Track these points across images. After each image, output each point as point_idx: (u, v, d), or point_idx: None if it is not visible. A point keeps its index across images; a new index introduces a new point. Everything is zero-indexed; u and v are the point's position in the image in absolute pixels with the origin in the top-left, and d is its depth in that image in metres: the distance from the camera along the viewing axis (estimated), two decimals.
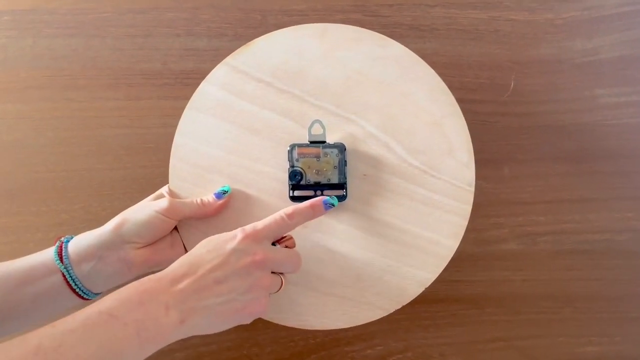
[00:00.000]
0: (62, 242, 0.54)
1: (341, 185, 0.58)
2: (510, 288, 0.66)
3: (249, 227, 0.50)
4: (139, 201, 0.58)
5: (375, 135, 0.60)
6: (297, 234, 0.58)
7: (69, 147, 0.66)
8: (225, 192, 0.59)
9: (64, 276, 0.52)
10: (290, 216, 0.52)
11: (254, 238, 0.49)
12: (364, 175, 0.60)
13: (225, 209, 0.58)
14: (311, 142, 0.57)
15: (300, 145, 0.58)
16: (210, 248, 0.47)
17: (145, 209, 0.56)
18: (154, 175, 0.67)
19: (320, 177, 0.58)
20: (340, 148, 0.58)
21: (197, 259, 0.47)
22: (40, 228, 0.65)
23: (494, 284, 0.66)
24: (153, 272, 0.47)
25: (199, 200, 0.58)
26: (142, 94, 0.66)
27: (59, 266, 0.52)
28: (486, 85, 0.67)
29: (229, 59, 0.61)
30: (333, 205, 0.55)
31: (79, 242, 0.53)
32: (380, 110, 0.60)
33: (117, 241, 0.54)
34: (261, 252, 0.49)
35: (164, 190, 0.61)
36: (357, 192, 0.59)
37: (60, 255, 0.52)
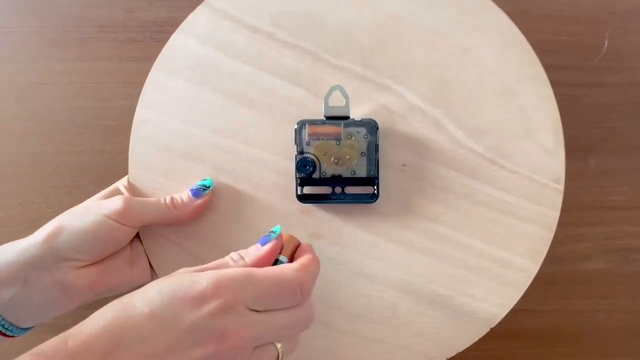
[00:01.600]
0: None
1: (370, 181, 0.41)
2: (592, 321, 0.52)
3: (238, 282, 0.33)
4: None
5: (420, 109, 0.42)
6: None
7: (2, 123, 0.52)
8: (206, 188, 0.42)
9: None
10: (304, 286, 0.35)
11: (233, 300, 0.32)
12: (403, 165, 0.42)
13: (205, 212, 0.44)
14: (328, 118, 0.40)
15: (312, 123, 0.40)
16: (161, 305, 0.31)
17: (90, 213, 0.41)
18: (116, 162, 0.52)
19: (341, 169, 0.41)
20: (370, 127, 0.40)
21: (134, 322, 0.31)
22: None
23: (570, 315, 0.52)
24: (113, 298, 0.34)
25: (168, 200, 0.42)
26: (99, 52, 0.52)
27: None
28: (569, 45, 0.51)
29: (213, 0, 0.43)
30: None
31: None
32: (428, 72, 0.42)
33: (50, 258, 0.40)
34: (235, 329, 0.32)
35: (120, 184, 0.44)
36: (393, 190, 0.43)
37: None
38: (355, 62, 0.43)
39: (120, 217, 0.40)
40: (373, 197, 0.42)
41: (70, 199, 0.51)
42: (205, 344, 0.31)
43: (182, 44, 0.44)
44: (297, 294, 0.34)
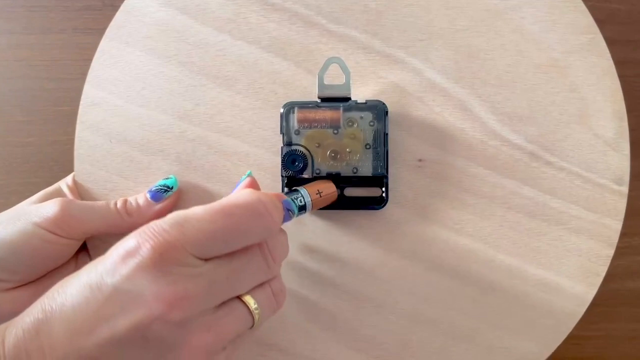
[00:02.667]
0: None
1: (378, 181, 0.32)
2: None
3: (169, 223, 0.26)
4: None
5: (441, 88, 0.33)
6: (298, 262, 0.32)
7: None
8: (168, 189, 0.33)
9: None
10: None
11: (167, 247, 0.25)
12: (420, 161, 0.33)
13: None
14: (323, 100, 0.31)
15: (303, 106, 0.32)
16: (85, 274, 0.25)
17: (19, 220, 0.33)
18: (72, 155, 0.42)
19: (340, 165, 0.32)
20: (378, 111, 0.31)
21: (57, 305, 0.25)
22: None
23: (615, 343, 0.44)
24: None
25: (119, 204, 0.33)
26: (50, 23, 0.44)
27: None
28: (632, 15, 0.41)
29: None
30: (291, 213, 0.30)
31: None
32: (452, 40, 0.33)
33: None
34: (173, 282, 0.25)
35: (63, 183, 0.35)
36: (407, 192, 0.34)
37: None
38: (359, 27, 0.34)
39: (55, 226, 0.31)
40: (381, 202, 0.33)
41: (18, 199, 0.41)
42: (134, 308, 0.24)
43: (140, 6, 0.35)
44: (264, 218, 0.26)
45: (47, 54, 0.44)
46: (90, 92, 0.35)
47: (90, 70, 0.36)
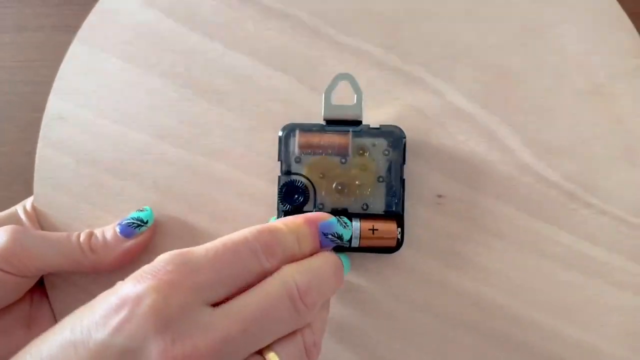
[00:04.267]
0: None
1: (392, 217, 0.26)
2: None
3: (172, 263, 0.21)
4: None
5: (467, 114, 0.28)
6: None
7: None
8: (141, 224, 0.28)
9: None
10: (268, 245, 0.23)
11: (173, 305, 0.20)
12: (440, 197, 0.28)
13: (143, 255, 0.29)
14: (330, 123, 0.26)
15: (306, 129, 0.27)
16: (69, 326, 0.20)
17: None
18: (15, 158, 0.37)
19: (348, 200, 0.27)
20: (394, 138, 0.27)
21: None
22: None
23: None
24: None
25: (82, 237, 0.28)
26: (25, 20, 0.40)
27: None
28: None
29: None
30: (339, 239, 0.25)
31: None
32: (480, 59, 0.29)
33: None
34: (180, 339, 0.19)
35: (20, 207, 0.30)
36: (425, 233, 0.29)
37: None
38: (373, 40, 0.29)
39: (3, 261, 0.26)
40: (395, 244, 0.28)
41: None
42: None
43: (118, 6, 0.30)
44: (259, 257, 0.22)
45: (21, 55, 0.39)
46: (56, 103, 0.30)
47: (57, 78, 0.30)
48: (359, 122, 0.27)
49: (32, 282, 0.28)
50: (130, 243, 0.28)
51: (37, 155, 0.30)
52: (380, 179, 0.27)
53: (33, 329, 0.29)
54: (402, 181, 0.27)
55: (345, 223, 0.25)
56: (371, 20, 0.29)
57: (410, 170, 0.29)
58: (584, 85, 0.28)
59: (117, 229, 0.28)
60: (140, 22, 0.30)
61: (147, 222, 0.28)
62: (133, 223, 0.28)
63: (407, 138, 0.28)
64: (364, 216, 0.27)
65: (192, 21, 0.30)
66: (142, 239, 0.28)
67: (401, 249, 0.28)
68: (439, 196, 0.29)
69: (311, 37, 0.29)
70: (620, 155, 0.28)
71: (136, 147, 0.30)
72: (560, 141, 0.28)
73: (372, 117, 0.28)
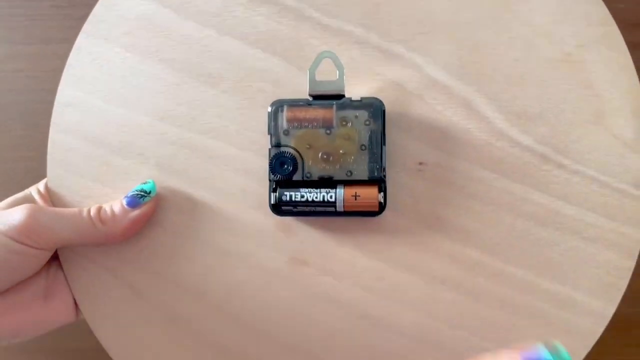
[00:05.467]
0: None
1: (374, 185, 0.28)
2: None
3: None
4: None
5: (444, 85, 0.30)
6: (288, 276, 0.29)
7: None
8: (145, 195, 0.31)
9: None
10: None
11: None
12: (421, 164, 0.30)
13: (147, 227, 0.32)
14: (315, 98, 0.28)
15: (293, 104, 0.29)
16: None
17: None
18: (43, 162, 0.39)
19: (333, 168, 0.29)
20: (374, 109, 0.29)
21: None
22: None
23: None
24: None
25: (93, 211, 0.30)
26: (51, 33, 0.42)
27: None
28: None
29: None
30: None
31: None
32: (455, 34, 0.30)
33: None
34: None
35: (34, 189, 0.33)
36: (406, 198, 0.31)
37: None
38: (354, 20, 0.31)
39: (22, 236, 0.29)
40: (378, 209, 0.30)
41: None
42: None
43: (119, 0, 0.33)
44: None
45: (48, 65, 0.42)
46: (65, 91, 0.33)
47: (66, 68, 0.33)
48: (342, 96, 0.30)
49: (47, 256, 0.31)
50: (136, 213, 0.30)
51: (49, 140, 0.33)
52: (363, 147, 0.29)
53: (49, 302, 0.32)
54: (382, 149, 0.29)
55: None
56: (352, 3, 0.31)
57: (393, 140, 0.31)
58: (553, 53, 0.30)
59: (124, 201, 0.30)
60: (140, 13, 0.32)
61: (150, 193, 0.31)
62: (138, 194, 0.30)
63: (389, 110, 0.30)
64: (348, 182, 0.29)
65: (186, 11, 0.32)
66: (147, 209, 0.30)
67: (385, 212, 0.30)
68: (420, 163, 0.31)
69: (297, 20, 0.32)
70: (590, 118, 0.30)
71: (139, 128, 0.32)
72: (532, 108, 0.30)
73: (354, 92, 0.30)
